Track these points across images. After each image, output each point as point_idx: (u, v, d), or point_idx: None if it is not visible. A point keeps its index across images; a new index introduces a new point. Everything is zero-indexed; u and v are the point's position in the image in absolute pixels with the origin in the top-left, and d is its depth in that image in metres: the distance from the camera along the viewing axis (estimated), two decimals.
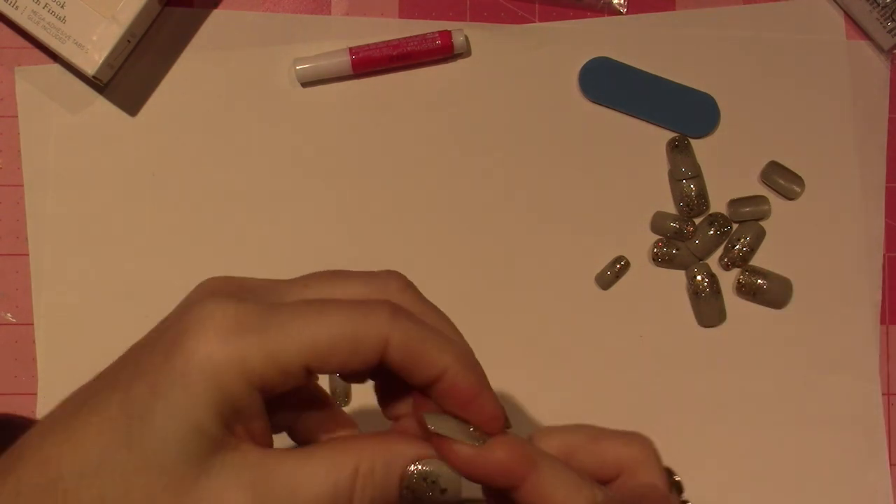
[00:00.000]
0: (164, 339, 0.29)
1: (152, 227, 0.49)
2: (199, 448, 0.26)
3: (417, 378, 0.28)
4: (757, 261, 0.50)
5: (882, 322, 0.50)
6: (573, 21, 0.50)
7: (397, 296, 0.30)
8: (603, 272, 0.49)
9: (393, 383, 0.29)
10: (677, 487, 0.31)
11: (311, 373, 0.27)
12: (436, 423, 0.27)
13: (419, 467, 0.27)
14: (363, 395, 0.46)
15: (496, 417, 0.27)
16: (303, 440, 0.30)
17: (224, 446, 0.26)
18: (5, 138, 0.49)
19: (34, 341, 0.48)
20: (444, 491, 0.26)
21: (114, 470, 0.26)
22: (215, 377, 0.26)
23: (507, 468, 0.26)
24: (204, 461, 0.26)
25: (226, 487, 0.26)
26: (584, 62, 0.50)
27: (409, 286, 0.31)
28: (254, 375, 0.26)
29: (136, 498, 0.25)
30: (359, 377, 0.29)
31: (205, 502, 0.25)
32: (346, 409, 0.46)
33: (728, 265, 0.49)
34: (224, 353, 0.26)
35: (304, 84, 0.49)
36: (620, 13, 0.51)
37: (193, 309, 0.28)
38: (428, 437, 0.27)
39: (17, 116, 0.49)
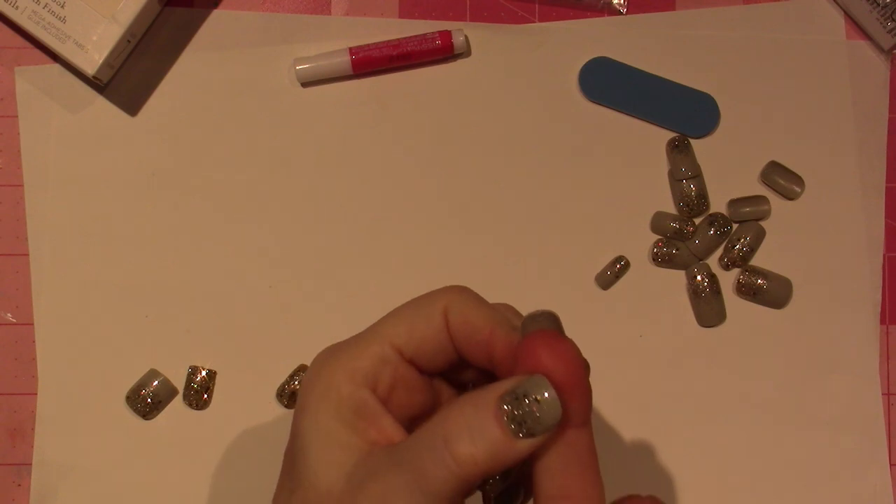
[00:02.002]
0: (297, 402, 0.31)
1: (152, 227, 0.49)
2: (339, 457, 0.28)
3: (473, 345, 0.29)
4: (757, 261, 0.50)
5: (882, 322, 0.50)
6: (573, 21, 0.50)
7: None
8: (603, 272, 0.49)
9: None
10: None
11: (405, 357, 0.30)
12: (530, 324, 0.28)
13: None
14: None
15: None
16: None
17: (359, 451, 0.28)
18: (5, 138, 0.49)
19: (34, 341, 0.48)
20: (538, 401, 0.26)
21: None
22: (331, 392, 0.29)
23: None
24: (345, 468, 0.28)
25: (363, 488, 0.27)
26: (584, 62, 0.50)
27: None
28: (357, 373, 0.29)
29: None
30: (443, 363, 0.31)
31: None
32: None
33: (728, 265, 0.49)
34: (334, 369, 0.29)
35: (304, 84, 0.49)
36: (620, 13, 0.51)
37: (306, 373, 0.31)
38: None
39: (17, 116, 0.49)
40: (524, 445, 0.26)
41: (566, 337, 0.27)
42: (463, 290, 0.30)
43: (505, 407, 0.26)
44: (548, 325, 0.28)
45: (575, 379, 0.27)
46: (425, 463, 0.27)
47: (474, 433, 0.26)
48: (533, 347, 0.27)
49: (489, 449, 0.26)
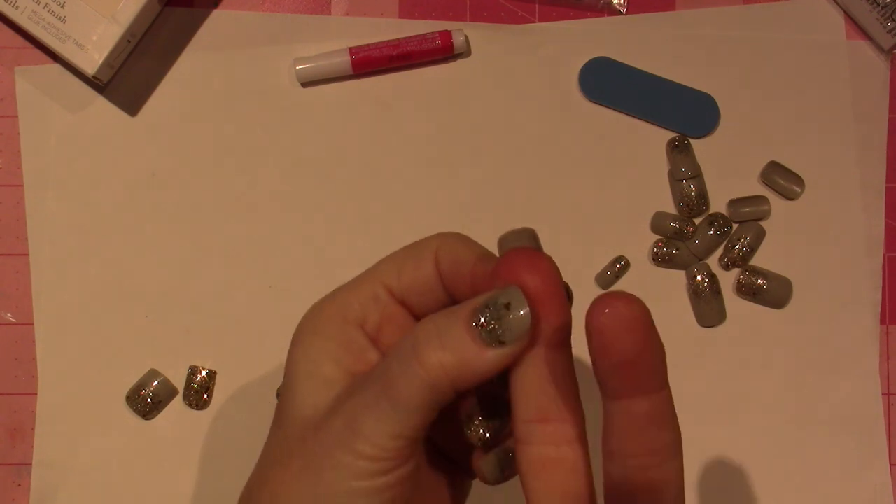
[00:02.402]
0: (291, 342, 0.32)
1: (152, 227, 0.49)
2: (323, 391, 0.28)
3: (460, 280, 0.29)
4: (757, 261, 0.50)
5: (882, 322, 0.50)
6: (573, 21, 0.50)
7: None
8: (603, 272, 0.49)
9: None
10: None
11: (395, 295, 0.30)
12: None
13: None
14: None
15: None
16: None
17: (342, 384, 0.29)
18: (5, 138, 0.49)
19: (34, 341, 0.48)
20: (507, 306, 0.26)
21: (270, 444, 0.30)
22: (322, 330, 0.29)
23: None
24: (327, 401, 0.28)
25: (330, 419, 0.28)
26: (584, 62, 0.50)
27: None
28: (348, 310, 0.30)
29: (280, 460, 0.28)
30: (432, 303, 0.31)
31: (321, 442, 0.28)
32: None
33: (728, 265, 0.49)
34: (326, 307, 0.30)
35: (304, 84, 0.49)
36: (620, 13, 0.51)
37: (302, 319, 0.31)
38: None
39: (17, 116, 0.49)
40: (494, 355, 0.26)
41: (544, 253, 0.27)
42: (455, 234, 0.31)
43: (477, 317, 0.26)
44: (526, 242, 0.28)
45: (551, 292, 0.26)
46: (394, 373, 0.26)
47: (444, 339, 0.26)
48: (509, 262, 0.26)
49: (458, 356, 0.26)
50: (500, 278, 0.26)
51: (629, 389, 0.25)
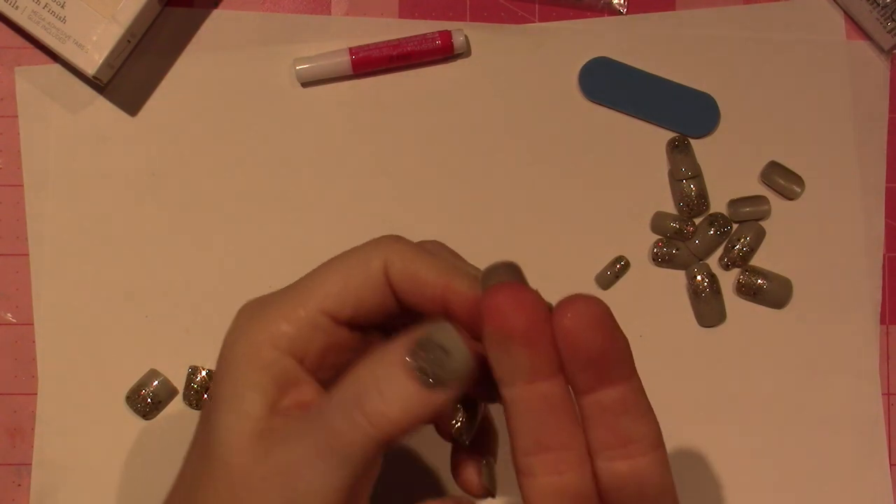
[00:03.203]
0: (220, 352, 0.30)
1: (152, 227, 0.49)
2: (247, 427, 0.27)
3: (423, 299, 0.28)
4: (757, 261, 0.50)
5: (882, 322, 0.50)
6: (573, 21, 0.50)
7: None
8: (603, 272, 0.49)
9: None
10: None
11: (340, 322, 0.28)
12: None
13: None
14: None
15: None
16: None
17: (268, 421, 0.27)
18: (5, 138, 0.49)
19: (34, 341, 0.48)
20: (444, 349, 0.25)
21: (193, 477, 0.28)
22: (254, 357, 0.27)
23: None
24: (251, 440, 0.27)
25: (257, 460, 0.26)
26: (584, 62, 0.50)
27: (443, 247, 0.32)
28: (282, 339, 0.27)
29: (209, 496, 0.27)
30: (381, 317, 0.29)
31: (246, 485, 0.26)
32: None
33: (728, 265, 0.49)
34: (254, 334, 0.28)
35: (304, 84, 0.49)
36: (620, 13, 0.51)
37: (233, 321, 0.29)
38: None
39: (17, 116, 0.49)
40: (439, 397, 0.25)
41: (529, 288, 0.26)
42: (399, 241, 0.29)
43: (413, 358, 0.25)
44: (508, 276, 0.27)
45: (539, 330, 0.25)
46: (337, 425, 0.25)
47: (384, 389, 0.25)
48: (495, 303, 0.25)
49: (402, 404, 0.25)
50: (492, 322, 0.25)
51: (598, 381, 0.25)
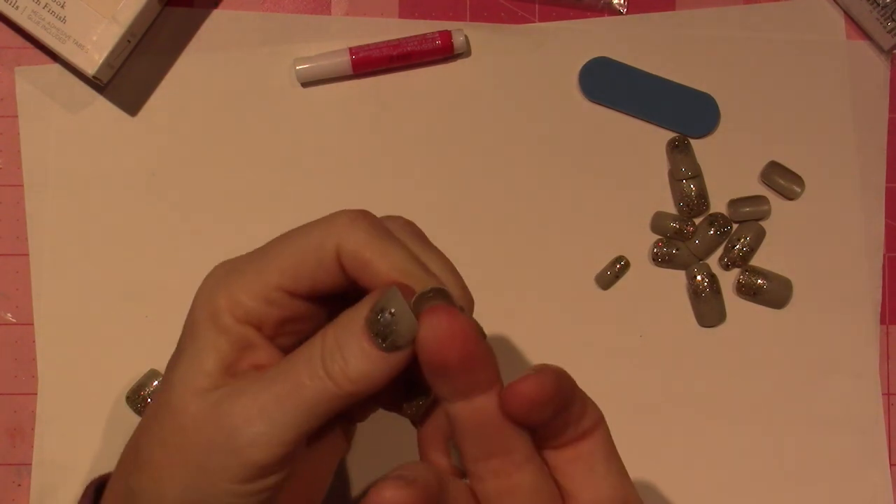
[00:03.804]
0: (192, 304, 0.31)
1: (152, 227, 0.49)
2: (204, 385, 0.28)
3: (373, 284, 0.29)
4: (757, 261, 0.50)
5: (882, 322, 0.50)
6: (573, 21, 0.50)
7: (393, 229, 0.31)
8: (603, 272, 0.49)
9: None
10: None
11: (295, 296, 0.29)
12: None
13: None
14: None
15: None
16: None
17: (224, 383, 0.29)
18: (5, 138, 0.49)
19: (34, 341, 0.48)
20: (392, 313, 0.27)
21: (146, 426, 0.30)
22: (214, 320, 0.29)
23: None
24: (207, 397, 0.28)
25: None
26: (584, 62, 0.50)
27: (406, 224, 0.32)
28: (239, 309, 0.29)
29: (170, 442, 0.29)
30: (337, 291, 0.30)
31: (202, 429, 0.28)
32: None
33: (728, 265, 0.49)
34: (217, 299, 0.29)
35: (304, 84, 0.49)
36: (620, 13, 0.51)
37: (203, 280, 0.31)
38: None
39: (17, 116, 0.49)
40: (392, 358, 0.27)
41: (457, 314, 0.27)
42: (355, 221, 0.29)
43: (370, 324, 0.27)
44: (438, 301, 0.28)
45: (469, 352, 0.26)
46: (302, 379, 0.27)
47: (345, 350, 0.27)
48: (427, 336, 0.26)
49: (361, 364, 0.27)
50: (421, 349, 0.27)
51: (457, 393, 0.27)
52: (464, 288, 0.31)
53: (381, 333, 0.27)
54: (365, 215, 0.30)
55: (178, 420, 0.28)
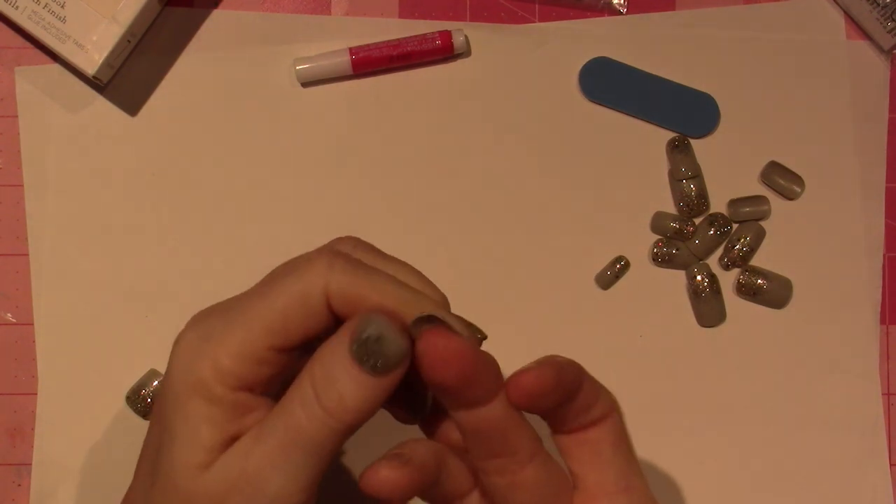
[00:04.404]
0: (163, 381, 0.30)
1: (152, 227, 0.49)
2: (203, 460, 0.27)
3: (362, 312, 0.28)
4: (757, 261, 0.50)
5: (882, 322, 0.50)
6: (573, 21, 0.50)
7: (337, 243, 0.31)
8: (603, 272, 0.49)
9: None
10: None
11: (285, 351, 0.28)
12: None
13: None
14: None
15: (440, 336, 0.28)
16: None
17: (226, 447, 0.28)
18: (5, 138, 0.49)
19: (34, 341, 0.48)
20: (378, 339, 0.27)
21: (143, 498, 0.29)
22: (203, 393, 0.28)
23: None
24: (216, 468, 0.27)
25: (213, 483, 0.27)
26: (584, 62, 0.50)
27: (359, 243, 0.32)
28: (230, 377, 0.28)
29: None
30: (324, 333, 0.29)
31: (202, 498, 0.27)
32: None
33: (728, 265, 0.49)
34: (200, 370, 0.28)
35: (304, 84, 0.49)
36: (620, 13, 0.51)
37: (173, 348, 0.29)
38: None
39: (17, 116, 0.49)
40: (386, 380, 0.27)
41: (453, 334, 0.27)
42: (335, 261, 0.28)
43: (356, 350, 0.27)
44: (432, 324, 0.28)
45: (468, 372, 0.26)
46: (300, 422, 0.27)
47: (338, 381, 0.27)
48: (427, 358, 0.27)
49: (356, 392, 0.27)
50: (423, 369, 0.27)
51: (460, 406, 0.27)
52: (434, 288, 0.31)
53: (368, 358, 0.27)
54: (337, 254, 0.29)
55: (192, 501, 0.27)
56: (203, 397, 0.28)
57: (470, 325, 0.29)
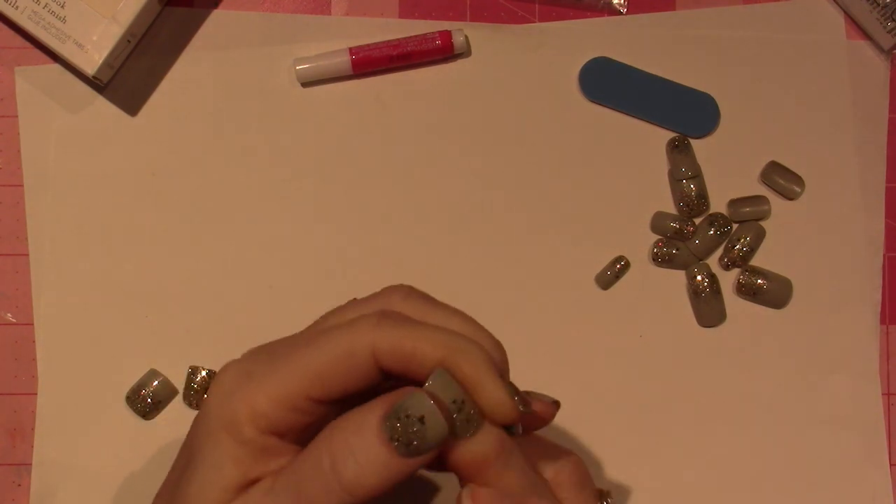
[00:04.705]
0: (201, 408, 0.30)
1: (152, 227, 0.49)
2: (220, 498, 0.27)
3: (419, 377, 0.27)
4: (757, 261, 0.50)
5: (882, 322, 0.50)
6: (573, 21, 0.50)
7: (399, 305, 0.30)
8: (603, 272, 0.49)
9: None
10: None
11: (323, 402, 0.28)
12: (435, 383, 0.27)
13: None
14: None
15: (501, 403, 0.27)
16: None
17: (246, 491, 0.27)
18: (5, 138, 0.49)
19: (34, 341, 0.48)
20: (421, 419, 0.26)
21: None
22: (234, 431, 0.27)
23: (468, 464, 0.27)
24: None
25: None
26: (584, 62, 0.50)
27: (411, 293, 0.30)
28: (262, 420, 0.27)
29: None
30: (365, 390, 0.29)
31: None
32: None
33: (728, 265, 0.49)
34: (236, 407, 0.27)
35: (304, 84, 0.49)
36: (620, 13, 0.51)
37: (216, 377, 0.29)
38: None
39: (17, 116, 0.49)
40: (413, 463, 0.26)
41: (499, 436, 0.28)
42: (382, 321, 0.28)
43: (388, 426, 0.26)
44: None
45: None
46: (312, 491, 0.26)
47: (359, 456, 0.26)
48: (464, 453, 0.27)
49: (378, 471, 0.26)
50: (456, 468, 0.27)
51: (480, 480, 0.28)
52: (492, 338, 0.30)
53: (402, 438, 0.25)
54: (386, 314, 0.28)
55: None
56: (233, 436, 0.27)
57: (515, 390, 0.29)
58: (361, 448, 0.26)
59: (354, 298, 0.31)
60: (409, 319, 0.28)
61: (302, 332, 0.30)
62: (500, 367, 0.29)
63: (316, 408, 0.28)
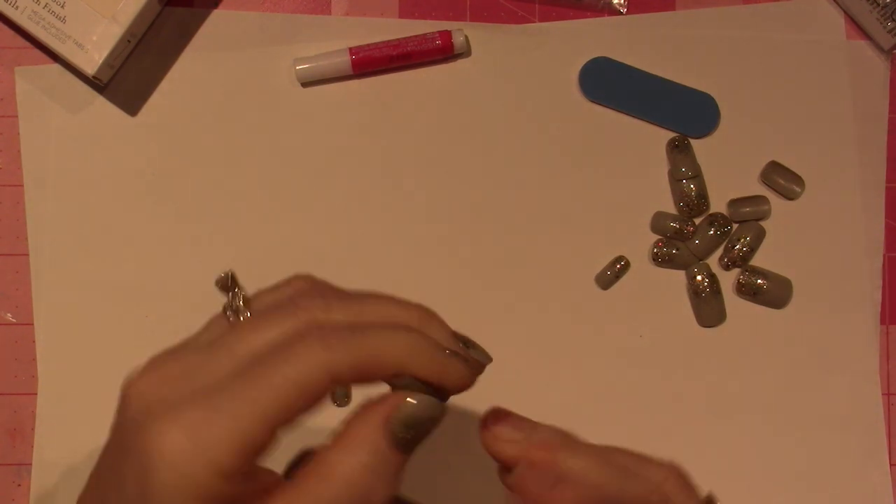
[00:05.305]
0: (129, 472, 0.27)
1: (152, 226, 0.49)
2: None
3: (377, 380, 0.28)
4: (757, 261, 0.50)
5: (882, 322, 0.50)
6: (573, 21, 0.50)
7: (318, 306, 0.29)
8: (603, 272, 0.49)
9: None
10: None
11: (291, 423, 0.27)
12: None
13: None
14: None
15: (465, 377, 0.29)
16: None
17: None
18: (5, 138, 0.49)
19: (34, 341, 0.48)
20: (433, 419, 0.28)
21: None
22: (200, 491, 0.25)
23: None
24: None
25: None
26: (584, 62, 0.50)
27: (315, 286, 0.31)
28: (231, 472, 0.26)
29: None
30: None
31: None
32: (347, 408, 0.46)
33: (728, 265, 0.49)
34: (195, 475, 0.25)
35: (304, 84, 0.49)
36: (620, 13, 0.51)
37: (146, 439, 0.26)
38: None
39: (17, 116, 0.49)
40: (406, 458, 0.28)
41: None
42: (330, 340, 0.27)
43: (396, 435, 0.27)
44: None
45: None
46: (321, 491, 0.26)
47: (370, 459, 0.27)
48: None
49: (383, 475, 0.27)
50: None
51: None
52: (418, 308, 0.30)
53: (404, 439, 0.27)
54: (325, 330, 0.27)
55: None
56: (202, 498, 0.25)
57: (474, 346, 0.30)
58: (375, 456, 0.27)
59: (249, 296, 0.32)
60: (350, 328, 0.28)
61: (234, 366, 0.28)
62: (443, 333, 0.29)
63: (283, 430, 0.27)
